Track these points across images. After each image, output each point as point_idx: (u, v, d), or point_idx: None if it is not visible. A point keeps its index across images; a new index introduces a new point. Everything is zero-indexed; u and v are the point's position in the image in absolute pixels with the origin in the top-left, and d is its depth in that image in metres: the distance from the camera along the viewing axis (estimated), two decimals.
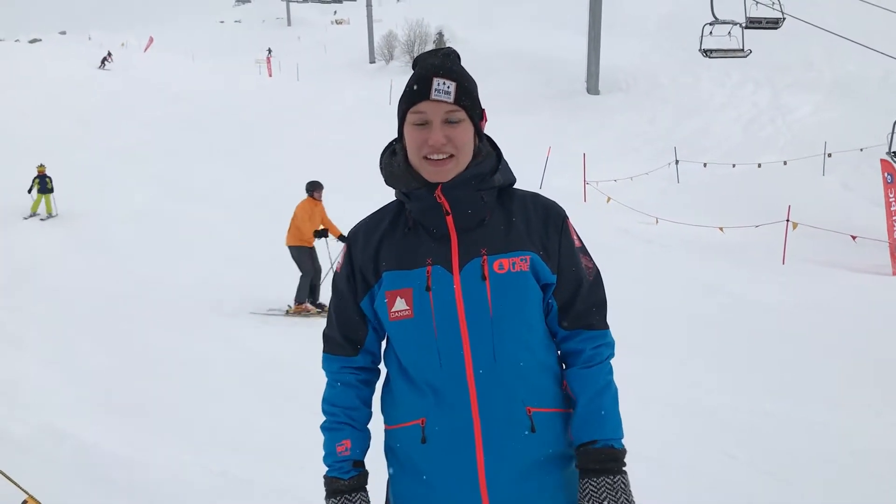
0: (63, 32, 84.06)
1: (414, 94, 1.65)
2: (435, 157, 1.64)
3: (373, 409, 1.85)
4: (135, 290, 9.40)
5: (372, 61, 49.90)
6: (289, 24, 76.24)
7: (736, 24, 17.43)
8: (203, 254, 10.98)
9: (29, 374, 5.55)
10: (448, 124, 1.64)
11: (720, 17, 17.41)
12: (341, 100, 31.21)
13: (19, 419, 4.54)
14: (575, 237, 1.77)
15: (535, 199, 1.78)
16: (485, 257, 1.65)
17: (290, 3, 77.13)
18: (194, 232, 12.19)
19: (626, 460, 1.65)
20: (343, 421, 1.77)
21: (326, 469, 1.76)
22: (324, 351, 1.85)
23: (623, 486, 1.61)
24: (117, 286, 9.54)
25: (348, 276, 1.77)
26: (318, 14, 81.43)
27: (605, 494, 1.59)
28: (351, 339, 1.80)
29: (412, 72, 1.72)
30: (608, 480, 1.61)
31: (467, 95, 1.66)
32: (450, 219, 1.68)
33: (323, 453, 1.78)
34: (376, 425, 1.82)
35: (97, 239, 9.98)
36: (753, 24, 17.41)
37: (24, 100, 23.06)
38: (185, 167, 17.01)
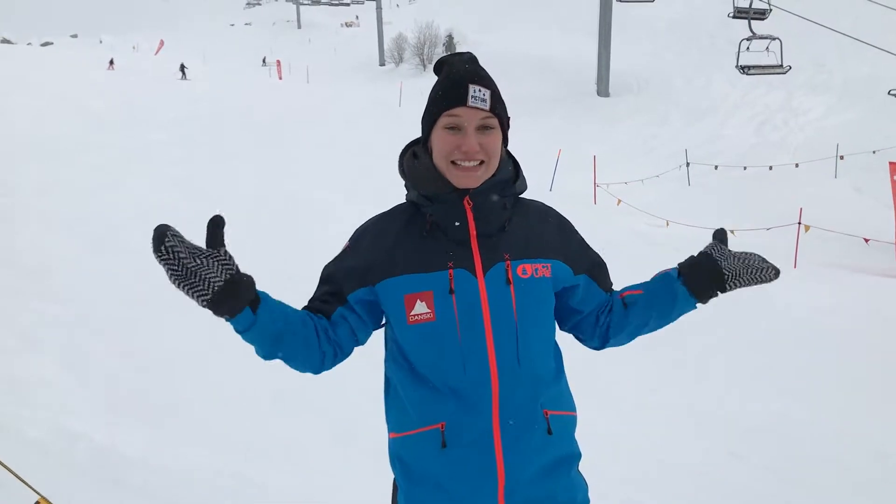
0: (74, 35, 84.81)
1: (450, 99, 1.64)
2: (466, 163, 1.64)
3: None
4: (149, 292, 9.42)
5: (382, 64, 50.07)
6: (299, 26, 76.65)
7: (774, 38, 16.98)
8: None
9: (42, 375, 5.56)
10: (481, 131, 1.64)
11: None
12: (351, 102, 31.27)
13: (32, 420, 4.55)
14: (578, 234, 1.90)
15: (545, 208, 1.86)
16: (508, 262, 1.66)
17: (300, 7, 77.41)
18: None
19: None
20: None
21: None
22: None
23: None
24: (131, 287, 9.57)
25: (350, 269, 1.72)
26: (328, 17, 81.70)
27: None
28: (328, 301, 1.73)
29: (427, 74, 1.74)
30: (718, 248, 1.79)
31: (500, 103, 1.68)
32: (472, 224, 1.68)
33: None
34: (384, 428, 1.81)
35: (110, 240, 10.00)
36: (741, 14, 17.16)
37: (37, 101, 23.20)
38: (198, 168, 17.05)
